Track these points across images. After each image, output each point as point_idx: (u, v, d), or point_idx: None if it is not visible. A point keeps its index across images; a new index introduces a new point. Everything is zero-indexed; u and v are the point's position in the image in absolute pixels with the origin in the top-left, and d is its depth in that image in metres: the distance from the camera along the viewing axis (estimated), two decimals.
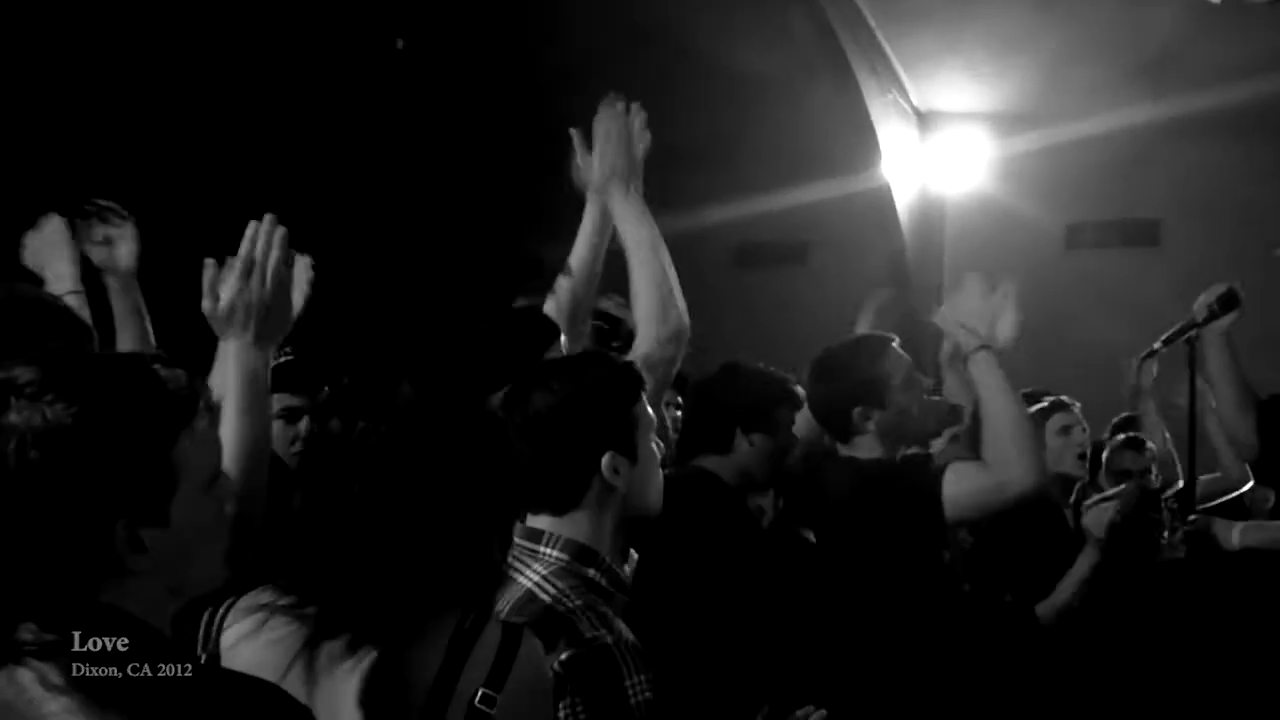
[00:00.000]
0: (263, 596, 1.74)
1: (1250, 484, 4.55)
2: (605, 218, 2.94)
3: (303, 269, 2.83)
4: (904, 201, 8.19)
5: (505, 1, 7.26)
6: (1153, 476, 4.54)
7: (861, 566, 3.19)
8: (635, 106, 2.86)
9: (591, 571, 2.04)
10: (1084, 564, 3.72)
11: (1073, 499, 4.14)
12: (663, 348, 2.63)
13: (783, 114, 7.85)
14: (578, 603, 1.95)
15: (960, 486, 3.05)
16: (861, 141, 7.87)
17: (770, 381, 3.48)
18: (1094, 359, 7.41)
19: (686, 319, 2.69)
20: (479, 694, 1.61)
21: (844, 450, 3.36)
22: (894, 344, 3.40)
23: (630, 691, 1.87)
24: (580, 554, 2.04)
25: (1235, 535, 3.88)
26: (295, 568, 1.73)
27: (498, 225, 7.93)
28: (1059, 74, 7.37)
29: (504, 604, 1.95)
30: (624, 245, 2.75)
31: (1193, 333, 3.67)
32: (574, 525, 2.06)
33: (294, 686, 1.58)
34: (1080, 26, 7.06)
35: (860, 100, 7.70)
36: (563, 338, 2.62)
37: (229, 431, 2.04)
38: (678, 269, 2.71)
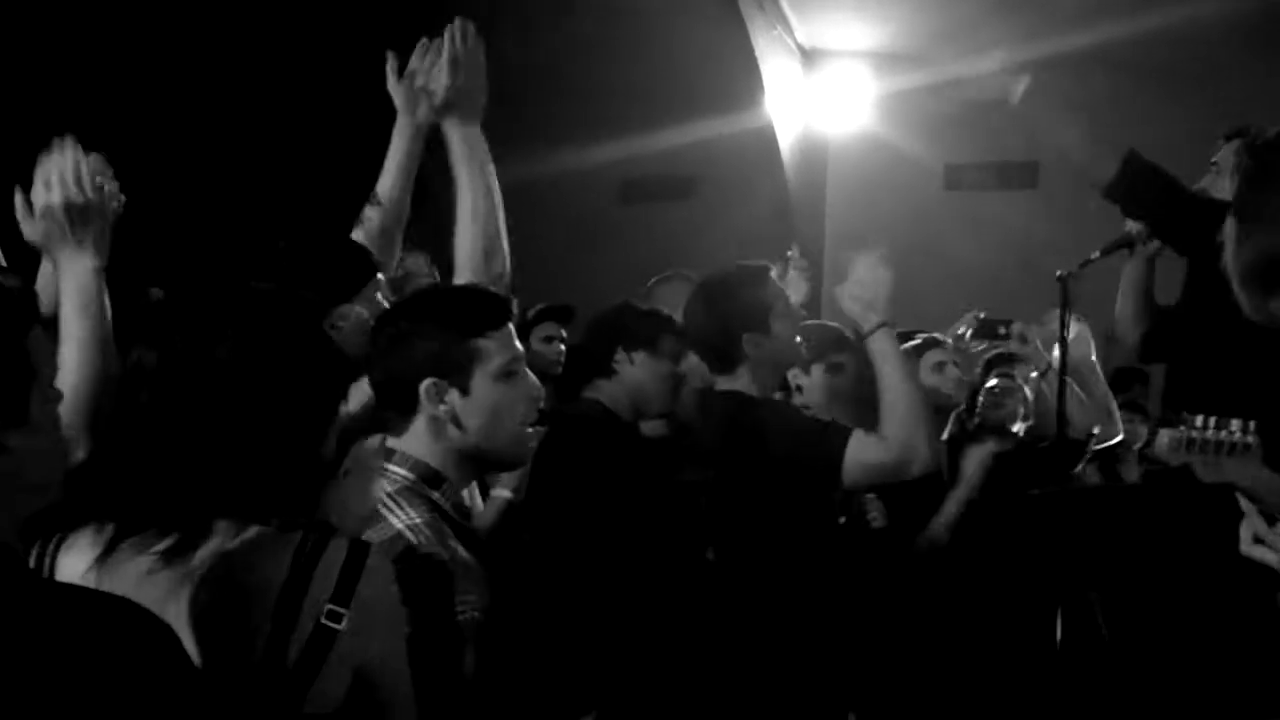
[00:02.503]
0: (91, 530, 1.71)
1: (1119, 436, 4.68)
2: (416, 144, 2.86)
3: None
4: (787, 139, 8.21)
5: None
6: (1021, 422, 4.65)
7: (754, 501, 3.23)
8: (471, 28, 2.70)
9: (436, 495, 2.13)
10: (952, 505, 3.82)
11: (946, 432, 4.23)
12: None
13: (667, 49, 7.81)
14: (416, 520, 2.04)
15: (860, 457, 3.08)
16: (746, 78, 7.85)
17: (653, 312, 3.52)
18: (972, 298, 7.57)
19: (509, 265, 2.66)
20: (325, 609, 1.61)
21: (725, 383, 3.38)
22: (771, 272, 3.44)
23: (459, 607, 1.96)
24: (426, 476, 2.13)
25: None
26: (114, 496, 1.71)
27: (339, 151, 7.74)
28: (942, 13, 7.42)
29: None
30: (457, 180, 2.67)
31: (1128, 249, 3.78)
32: (418, 447, 2.15)
33: None
34: None
35: (745, 36, 7.68)
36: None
37: (70, 334, 2.09)
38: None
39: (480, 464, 2.25)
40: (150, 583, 1.63)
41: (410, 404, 2.15)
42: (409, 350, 2.14)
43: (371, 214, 2.86)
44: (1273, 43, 6.83)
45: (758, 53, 7.77)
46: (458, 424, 2.14)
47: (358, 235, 2.84)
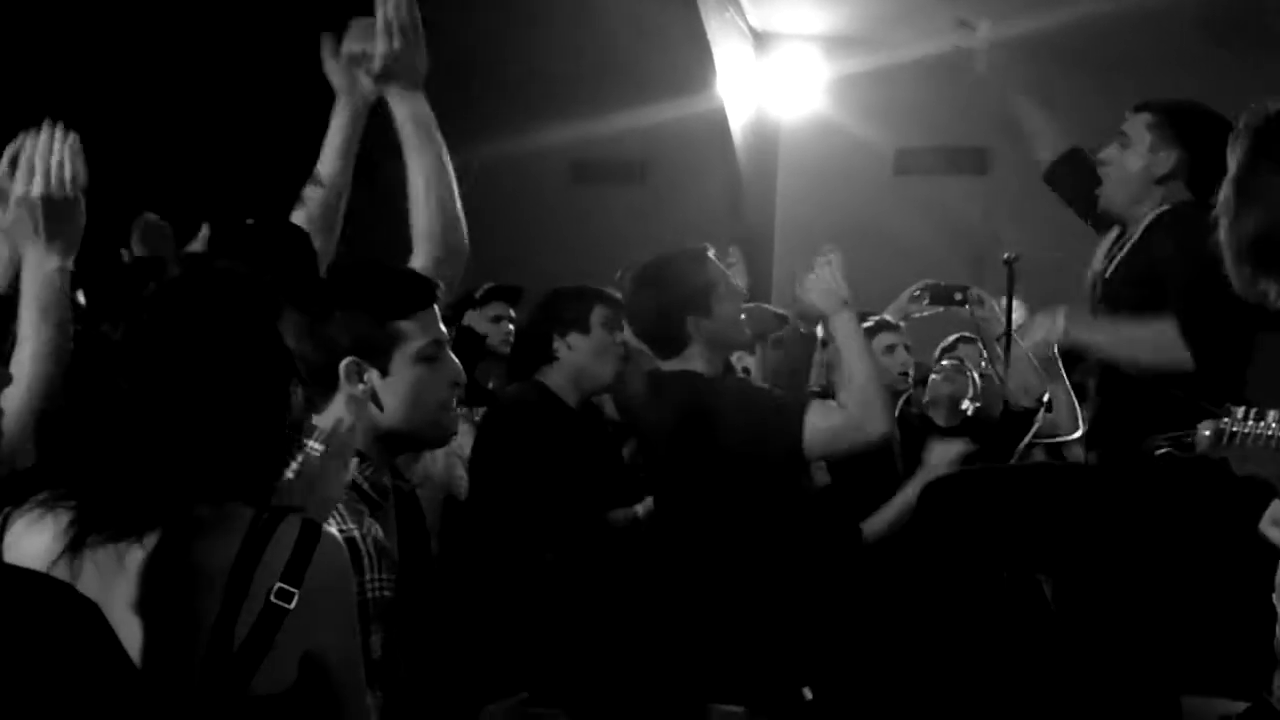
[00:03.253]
0: (41, 499, 1.67)
1: (1078, 433, 4.71)
2: (355, 125, 2.78)
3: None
4: (739, 123, 8.20)
5: None
6: (969, 401, 4.68)
7: (711, 479, 3.24)
8: None
9: (355, 474, 2.14)
10: (911, 490, 3.82)
11: (896, 412, 4.25)
12: (439, 268, 2.53)
13: (618, 30, 7.78)
14: None
15: (820, 424, 3.15)
16: (698, 61, 7.83)
17: (580, 290, 3.54)
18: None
19: (466, 242, 2.62)
20: (275, 588, 1.59)
21: (673, 364, 3.38)
22: (711, 252, 3.45)
23: (369, 585, 1.99)
24: None
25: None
26: (66, 469, 1.68)
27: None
28: None
29: None
30: (406, 153, 2.58)
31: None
32: None
33: None
34: None
35: (697, 18, 7.66)
36: None
37: (28, 337, 2.04)
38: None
39: (399, 444, 2.25)
40: (93, 561, 1.60)
41: (330, 382, 2.14)
42: (329, 329, 2.14)
43: (312, 194, 2.80)
44: (1235, 31, 6.90)
45: (709, 35, 7.74)
46: (376, 404, 2.14)
47: (298, 216, 2.78)
